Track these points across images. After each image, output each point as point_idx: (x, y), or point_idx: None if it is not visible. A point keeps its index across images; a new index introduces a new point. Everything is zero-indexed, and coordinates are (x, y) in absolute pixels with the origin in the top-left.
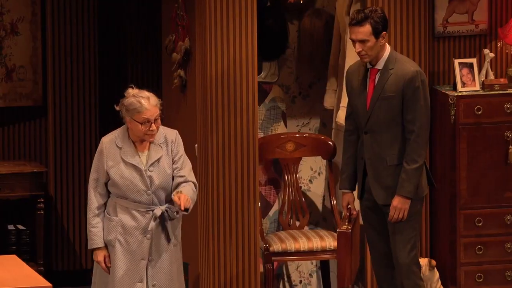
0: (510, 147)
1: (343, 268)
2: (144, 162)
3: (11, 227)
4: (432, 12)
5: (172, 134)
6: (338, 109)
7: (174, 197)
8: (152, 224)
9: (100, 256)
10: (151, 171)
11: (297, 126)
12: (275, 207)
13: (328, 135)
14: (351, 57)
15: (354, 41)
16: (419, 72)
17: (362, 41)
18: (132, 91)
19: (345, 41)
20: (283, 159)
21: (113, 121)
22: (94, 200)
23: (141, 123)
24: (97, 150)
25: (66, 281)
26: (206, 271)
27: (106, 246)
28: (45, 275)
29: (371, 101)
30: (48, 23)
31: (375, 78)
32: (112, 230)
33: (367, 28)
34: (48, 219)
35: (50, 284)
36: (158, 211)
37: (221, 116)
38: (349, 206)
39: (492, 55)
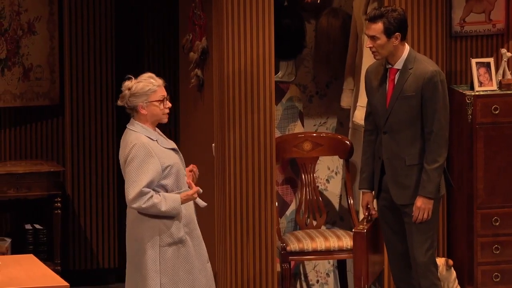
0: None
1: (359, 268)
2: None
3: (28, 226)
4: (449, 11)
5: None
6: (355, 108)
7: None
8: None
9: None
10: None
11: (314, 125)
12: (292, 206)
13: (345, 135)
14: (368, 57)
15: (367, 36)
16: (438, 72)
17: (373, 38)
18: (130, 82)
19: (362, 41)
20: (300, 158)
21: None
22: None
23: (160, 101)
24: (140, 155)
25: (83, 281)
26: (223, 270)
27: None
28: (62, 274)
29: (390, 100)
30: (65, 22)
31: (394, 78)
32: (180, 227)
33: (378, 26)
34: (65, 219)
35: (67, 284)
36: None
37: (238, 116)
38: (368, 205)
39: (509, 54)
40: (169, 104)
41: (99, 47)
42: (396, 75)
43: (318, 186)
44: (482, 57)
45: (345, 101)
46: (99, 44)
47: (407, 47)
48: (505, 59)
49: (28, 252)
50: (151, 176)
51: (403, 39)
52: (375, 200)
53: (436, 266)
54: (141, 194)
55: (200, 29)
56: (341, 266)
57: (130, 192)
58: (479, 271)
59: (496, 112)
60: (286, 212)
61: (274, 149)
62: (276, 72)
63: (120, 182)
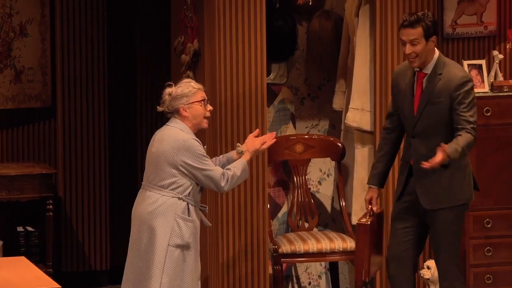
0: None
1: (361, 261)
2: None
3: (20, 228)
4: (441, 13)
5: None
6: (347, 110)
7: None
8: (205, 219)
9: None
10: None
11: (306, 127)
12: (284, 208)
13: (337, 137)
14: (360, 59)
15: (404, 42)
16: (468, 78)
17: (413, 43)
18: (171, 88)
19: (354, 43)
20: (292, 160)
21: (121, 123)
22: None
23: (201, 101)
24: (200, 150)
25: (75, 283)
26: (215, 273)
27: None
28: (54, 276)
29: (418, 106)
30: (57, 24)
31: (422, 82)
32: (191, 233)
33: (418, 30)
34: (57, 221)
35: (59, 286)
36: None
37: (230, 118)
38: (371, 201)
39: (501, 56)
40: (210, 107)
41: (91, 50)
42: (425, 79)
43: (310, 188)
44: (474, 59)
45: (337, 103)
46: (91, 47)
47: (436, 52)
48: (496, 61)
49: (20, 255)
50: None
51: (437, 43)
52: (378, 197)
53: (460, 269)
54: (223, 175)
55: (192, 31)
56: (333, 268)
57: (217, 180)
58: (471, 273)
59: (488, 114)
60: (278, 214)
61: (266, 151)
62: (268, 74)
63: (112, 184)
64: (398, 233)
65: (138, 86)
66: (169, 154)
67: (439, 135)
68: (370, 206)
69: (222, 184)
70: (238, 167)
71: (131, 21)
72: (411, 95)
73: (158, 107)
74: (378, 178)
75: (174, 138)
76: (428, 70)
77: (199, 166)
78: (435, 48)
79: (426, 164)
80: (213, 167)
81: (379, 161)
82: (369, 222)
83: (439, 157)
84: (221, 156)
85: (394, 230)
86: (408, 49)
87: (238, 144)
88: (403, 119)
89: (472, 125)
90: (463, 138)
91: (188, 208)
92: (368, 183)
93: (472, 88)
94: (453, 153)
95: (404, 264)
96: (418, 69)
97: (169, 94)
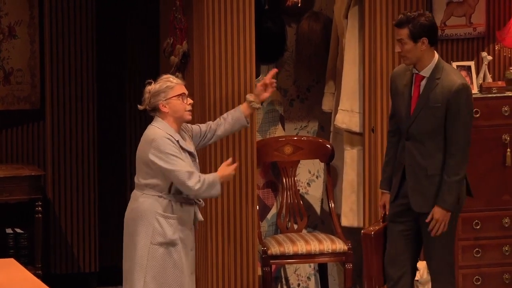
0: (508, 149)
1: (368, 269)
2: None
3: (9, 230)
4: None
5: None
6: (336, 112)
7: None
8: (199, 214)
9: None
10: None
11: (295, 129)
12: (273, 210)
13: (326, 138)
14: (349, 61)
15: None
16: (466, 85)
17: (401, 42)
18: (150, 85)
19: (343, 44)
20: (281, 162)
21: (111, 124)
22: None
23: (180, 96)
24: (168, 149)
25: (64, 285)
26: (204, 274)
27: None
28: (44, 278)
29: (415, 108)
30: (46, 26)
31: (419, 84)
32: (176, 229)
33: (405, 31)
34: (46, 223)
35: None
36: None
37: None
38: (385, 205)
39: (490, 58)
40: (190, 101)
41: (80, 51)
42: (422, 82)
43: (299, 190)
44: (462, 60)
45: (326, 104)
46: (80, 48)
47: (436, 56)
48: (485, 62)
49: (9, 256)
50: (185, 161)
51: (432, 44)
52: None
53: (452, 272)
54: (191, 175)
55: (181, 33)
56: (322, 270)
57: (185, 180)
58: (460, 275)
59: (477, 115)
60: (267, 216)
61: (255, 153)
62: (257, 75)
63: (101, 186)
64: (395, 236)
65: (128, 88)
66: (143, 153)
67: (433, 140)
68: (383, 211)
69: (190, 184)
70: (209, 176)
71: (121, 22)
72: (408, 97)
73: (139, 106)
74: (388, 182)
75: (147, 138)
76: (426, 73)
77: (164, 165)
78: (435, 52)
79: (433, 233)
80: (179, 167)
81: (387, 165)
82: (372, 233)
83: (440, 222)
84: (225, 115)
85: (391, 233)
86: (397, 47)
87: (248, 95)
88: (399, 120)
89: (460, 145)
90: (452, 171)
91: (172, 205)
92: (380, 188)
93: (470, 95)
94: (451, 202)
95: (402, 267)
96: (416, 71)
97: (149, 92)
